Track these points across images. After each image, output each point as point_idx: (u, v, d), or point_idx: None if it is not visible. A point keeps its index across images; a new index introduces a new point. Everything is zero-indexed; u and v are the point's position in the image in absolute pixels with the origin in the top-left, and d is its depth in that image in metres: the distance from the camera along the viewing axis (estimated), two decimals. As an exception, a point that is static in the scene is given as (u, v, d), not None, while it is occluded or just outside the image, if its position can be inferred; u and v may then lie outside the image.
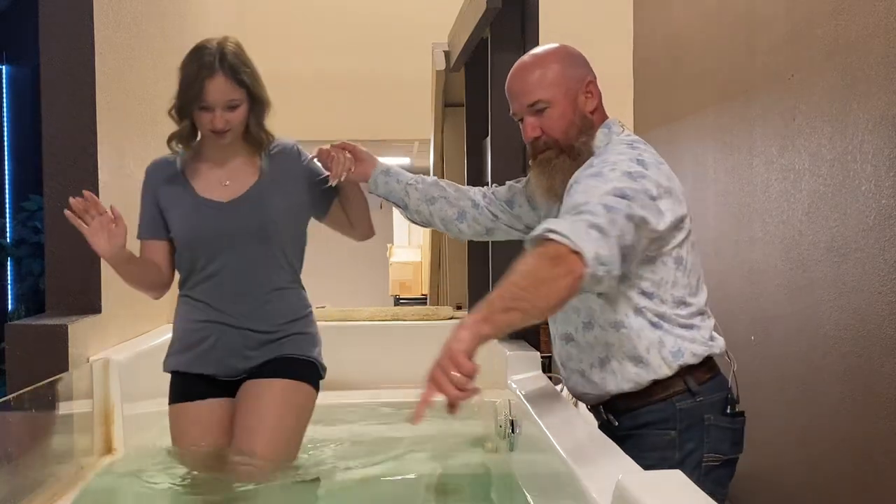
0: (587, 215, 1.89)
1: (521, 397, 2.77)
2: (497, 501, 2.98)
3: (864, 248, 2.79)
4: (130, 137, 3.42)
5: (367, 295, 10.88)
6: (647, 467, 1.99)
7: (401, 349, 3.91)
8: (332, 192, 2.62)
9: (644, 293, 2.12)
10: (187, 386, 2.62)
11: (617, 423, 2.20)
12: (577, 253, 1.82)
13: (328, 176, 2.58)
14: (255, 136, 2.53)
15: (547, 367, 3.18)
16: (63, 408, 2.74)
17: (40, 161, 3.04)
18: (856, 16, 2.87)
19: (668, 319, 2.13)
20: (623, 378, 2.15)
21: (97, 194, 3.03)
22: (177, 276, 2.66)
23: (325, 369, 2.71)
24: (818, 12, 3.10)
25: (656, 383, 2.13)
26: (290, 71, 6.14)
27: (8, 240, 7.92)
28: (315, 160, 2.64)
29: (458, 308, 4.41)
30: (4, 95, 8.22)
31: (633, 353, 2.13)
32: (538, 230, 1.90)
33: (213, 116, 2.42)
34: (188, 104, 2.43)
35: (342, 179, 2.57)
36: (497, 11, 3.36)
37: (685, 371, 2.13)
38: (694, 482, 1.94)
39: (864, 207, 2.80)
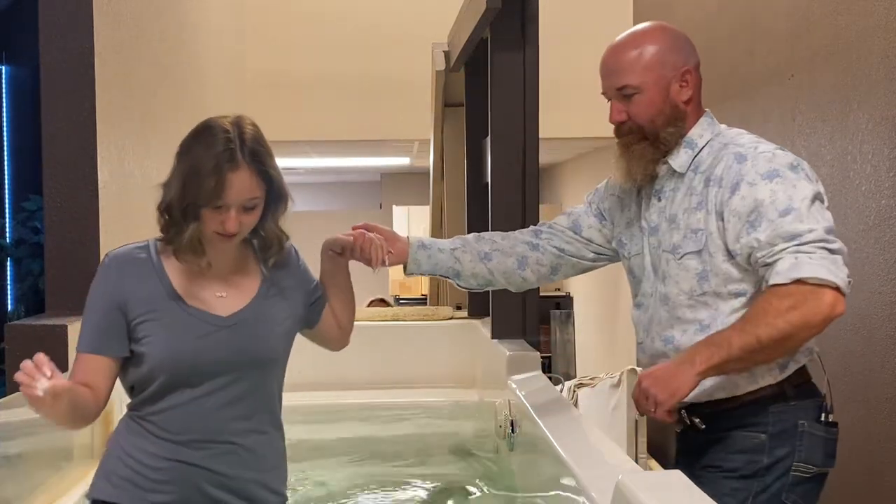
0: (819, 244, 1.86)
1: (521, 397, 2.77)
2: (497, 501, 2.98)
3: (864, 248, 2.79)
4: (130, 137, 3.42)
5: (368, 295, 10.87)
6: (732, 469, 1.98)
7: (401, 349, 3.92)
8: (323, 300, 2.14)
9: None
10: None
11: (704, 427, 2.05)
12: (833, 287, 1.82)
13: (317, 284, 2.14)
14: (265, 239, 1.98)
15: (547, 367, 3.18)
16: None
17: (40, 161, 3.04)
18: (856, 16, 2.87)
19: None
20: (719, 386, 2.01)
21: (97, 194, 3.05)
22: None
23: None
24: (818, 12, 3.10)
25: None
26: (290, 71, 6.14)
27: (8, 240, 7.91)
28: (336, 252, 2.19)
29: (458, 308, 4.41)
30: (4, 95, 8.22)
31: None
32: (783, 276, 1.85)
33: (225, 218, 1.86)
34: (200, 203, 1.85)
35: (385, 265, 2.23)
36: (497, 11, 3.35)
37: None
38: (777, 492, 1.95)
39: (864, 207, 2.79)
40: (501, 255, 2.34)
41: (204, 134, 1.88)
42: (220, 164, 1.83)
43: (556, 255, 2.33)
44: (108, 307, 1.90)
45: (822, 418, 2.02)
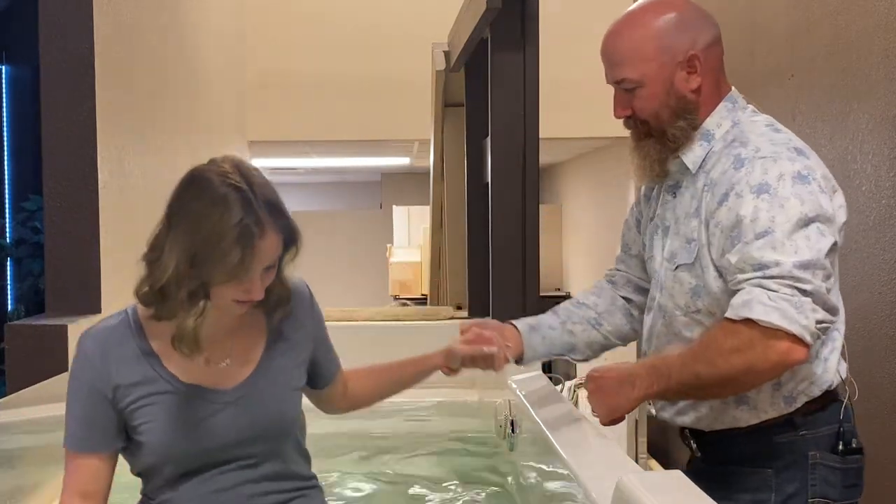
0: (787, 281, 1.62)
1: (521, 397, 2.77)
2: (497, 501, 2.98)
3: (864, 248, 2.79)
4: (130, 137, 3.42)
5: (367, 295, 10.89)
6: None
7: (401, 349, 3.91)
8: (337, 367, 1.88)
9: None
10: None
11: (700, 454, 1.88)
12: (792, 334, 1.60)
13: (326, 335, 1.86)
14: (272, 291, 1.65)
15: (547, 367, 3.18)
16: (63, 408, 2.74)
17: (40, 161, 3.04)
18: (856, 16, 2.87)
19: None
20: (716, 419, 1.82)
21: (97, 194, 3.05)
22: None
23: None
24: (818, 12, 3.10)
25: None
26: (290, 71, 6.14)
27: (8, 240, 7.91)
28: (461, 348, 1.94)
29: (458, 308, 4.41)
30: (4, 95, 8.22)
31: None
32: (734, 311, 1.64)
33: (249, 287, 1.55)
34: (218, 281, 1.53)
35: (510, 361, 2.03)
36: (497, 11, 3.36)
37: None
38: None
39: (864, 207, 2.79)
40: (609, 316, 2.12)
41: (209, 194, 1.51)
42: (245, 234, 1.49)
43: (636, 289, 2.12)
44: (93, 397, 1.62)
45: (840, 447, 1.80)
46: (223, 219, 1.49)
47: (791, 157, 1.72)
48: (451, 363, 1.94)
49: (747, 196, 1.69)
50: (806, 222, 1.65)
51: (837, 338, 1.82)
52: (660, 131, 1.85)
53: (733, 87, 1.89)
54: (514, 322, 2.13)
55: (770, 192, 1.67)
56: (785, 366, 1.65)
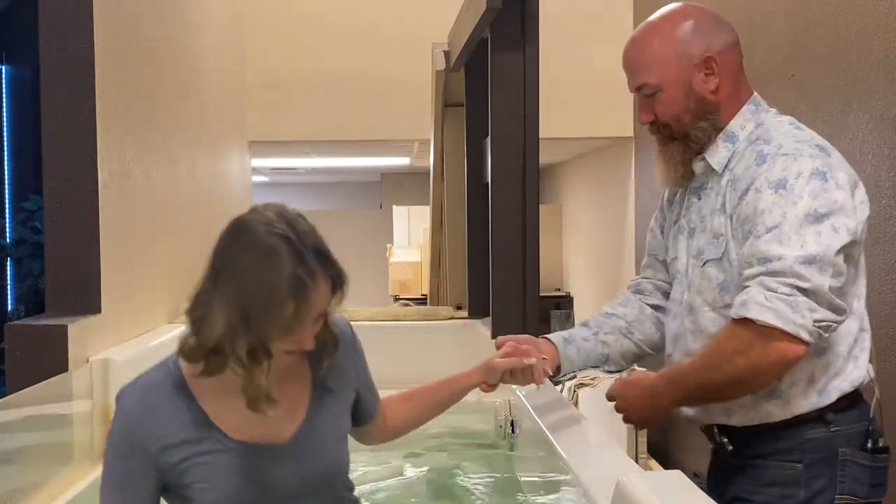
0: (787, 279, 1.65)
1: (521, 397, 2.77)
2: (497, 501, 2.98)
3: (865, 248, 2.79)
4: (130, 137, 3.42)
5: (367, 295, 10.88)
6: None
7: (401, 349, 3.92)
8: (377, 400, 1.85)
9: None
10: None
11: (731, 448, 1.88)
12: (787, 333, 1.64)
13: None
14: (319, 338, 1.60)
15: (547, 367, 3.18)
16: (63, 408, 2.74)
17: (40, 161, 3.04)
18: (856, 16, 2.87)
19: (831, 348, 1.80)
20: (751, 413, 1.83)
21: (97, 194, 3.05)
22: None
23: None
24: (818, 12, 3.10)
25: None
26: (290, 71, 6.14)
27: (8, 240, 7.91)
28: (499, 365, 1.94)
29: (458, 308, 4.41)
30: (4, 95, 8.22)
31: (777, 384, 1.79)
32: (734, 310, 1.69)
33: (300, 337, 1.52)
34: (274, 336, 1.49)
35: (550, 374, 2.06)
36: (497, 11, 3.35)
37: None
38: None
39: (864, 207, 2.79)
40: (639, 325, 2.13)
41: (256, 245, 1.47)
42: (298, 287, 1.45)
43: (665, 295, 2.11)
44: (136, 457, 1.56)
45: (869, 445, 1.81)
46: (275, 272, 1.45)
47: (812, 154, 1.75)
48: (490, 379, 1.93)
49: (765, 191, 1.74)
50: (817, 218, 1.68)
51: (866, 338, 1.88)
52: (682, 134, 1.89)
53: (755, 92, 1.94)
54: (547, 336, 2.14)
55: (786, 188, 1.71)
56: (786, 364, 1.69)
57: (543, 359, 2.00)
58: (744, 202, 1.78)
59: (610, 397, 1.97)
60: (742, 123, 1.88)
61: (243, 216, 1.52)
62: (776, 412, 1.81)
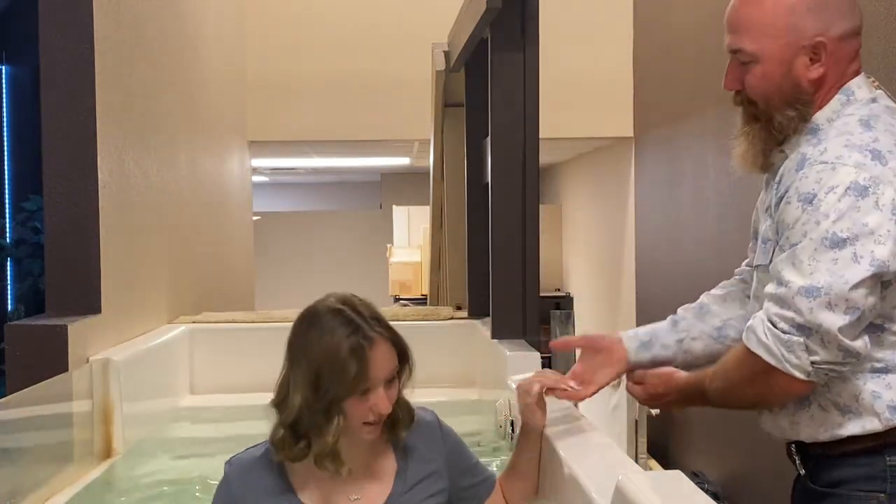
0: (790, 311, 1.53)
1: (521, 397, 2.76)
2: (497, 501, 2.97)
3: None
4: (130, 137, 3.42)
5: (367, 295, 10.87)
6: None
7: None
8: (487, 486, 1.98)
9: (871, 325, 1.58)
10: None
11: (804, 472, 1.73)
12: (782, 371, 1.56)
13: (478, 464, 1.98)
14: (394, 411, 1.77)
15: (547, 367, 3.18)
16: (63, 408, 2.74)
17: (40, 161, 3.05)
18: (856, 16, 2.87)
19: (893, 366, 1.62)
20: (821, 427, 1.66)
21: (97, 194, 3.05)
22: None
23: None
24: (818, 12, 3.10)
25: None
26: (290, 71, 6.14)
27: (8, 240, 7.92)
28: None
29: (458, 308, 4.41)
30: (4, 95, 8.22)
31: (840, 399, 1.64)
32: (745, 334, 1.62)
33: (375, 401, 1.69)
34: (343, 395, 1.67)
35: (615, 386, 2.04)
36: (497, 11, 3.35)
37: None
38: None
39: (864, 207, 2.79)
40: (737, 322, 1.92)
41: (318, 324, 1.69)
42: (357, 346, 1.66)
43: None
44: None
45: None
46: (334, 337, 1.66)
47: (858, 164, 1.54)
48: (527, 397, 2.05)
49: (794, 203, 1.58)
50: (836, 243, 1.51)
51: None
52: (767, 116, 1.69)
53: (856, 78, 1.69)
54: (625, 337, 2.01)
55: (813, 203, 1.54)
56: (790, 397, 1.65)
57: (569, 387, 2.01)
58: (779, 210, 1.62)
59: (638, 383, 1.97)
60: (829, 116, 1.66)
61: (310, 306, 1.74)
62: (846, 424, 1.64)
